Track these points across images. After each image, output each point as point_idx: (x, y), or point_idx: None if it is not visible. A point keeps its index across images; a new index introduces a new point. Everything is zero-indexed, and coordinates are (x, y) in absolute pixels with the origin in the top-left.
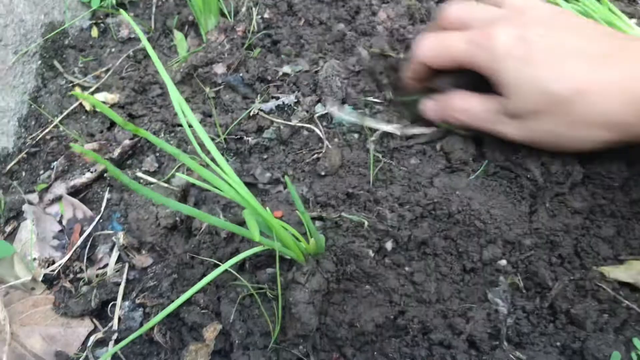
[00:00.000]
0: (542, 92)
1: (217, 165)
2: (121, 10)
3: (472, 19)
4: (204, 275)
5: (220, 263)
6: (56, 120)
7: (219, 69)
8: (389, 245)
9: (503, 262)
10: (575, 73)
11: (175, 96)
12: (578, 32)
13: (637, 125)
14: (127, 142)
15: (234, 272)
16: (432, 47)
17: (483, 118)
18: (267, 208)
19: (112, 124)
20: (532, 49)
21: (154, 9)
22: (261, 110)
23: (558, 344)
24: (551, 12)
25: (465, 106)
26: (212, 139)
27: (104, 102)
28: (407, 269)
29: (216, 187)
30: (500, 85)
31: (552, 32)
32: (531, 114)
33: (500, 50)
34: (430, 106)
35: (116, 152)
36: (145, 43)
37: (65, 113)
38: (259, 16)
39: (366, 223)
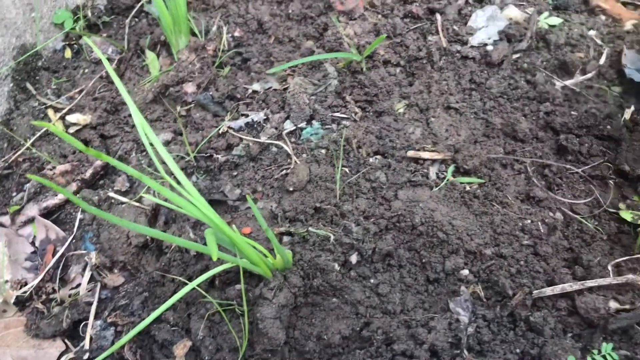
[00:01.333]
0: None
1: (181, 186)
2: (84, 37)
3: None
4: (175, 292)
5: (187, 282)
6: (28, 143)
7: (190, 88)
8: (354, 258)
9: (465, 271)
10: None
11: (139, 119)
12: None
13: None
14: (99, 162)
15: (202, 291)
16: None
17: None
18: (234, 226)
19: (85, 145)
20: None
21: (127, 29)
22: (231, 127)
23: (518, 350)
24: None
25: None
26: (182, 158)
27: (75, 124)
28: (372, 281)
29: (181, 208)
30: None
31: None
32: None
33: None
34: None
35: (88, 173)
36: (109, 70)
37: (37, 135)
38: (230, 34)
39: (332, 237)
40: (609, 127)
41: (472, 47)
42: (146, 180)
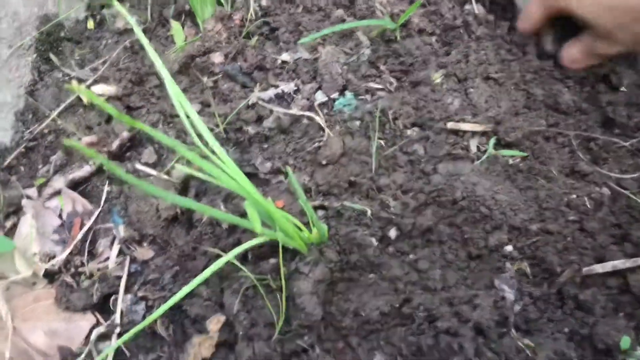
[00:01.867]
0: (612, 7)
1: (217, 156)
2: (115, 2)
3: None
4: (206, 266)
5: (223, 254)
6: (53, 114)
7: (217, 58)
8: (392, 233)
9: (509, 248)
10: None
11: (173, 88)
12: None
13: None
14: (125, 134)
15: (237, 263)
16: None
17: (587, 54)
18: (269, 198)
19: (110, 117)
20: None
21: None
22: (260, 99)
23: (566, 330)
24: None
25: (575, 56)
26: (211, 130)
27: (101, 95)
28: (411, 256)
29: (216, 179)
30: (586, 22)
31: None
32: (614, 29)
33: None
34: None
35: (115, 145)
36: (139, 35)
37: (62, 106)
38: (257, 4)
39: (369, 211)
40: None
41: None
42: (181, 150)
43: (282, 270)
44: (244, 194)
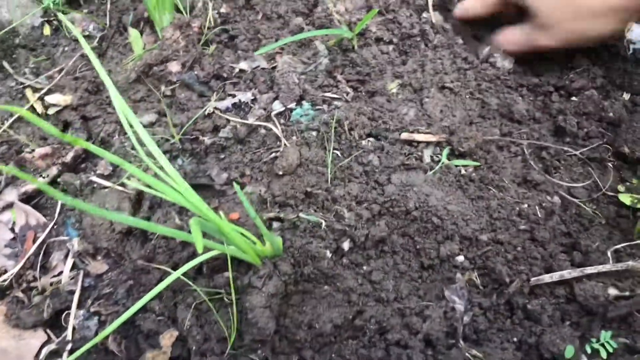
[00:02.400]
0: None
1: (164, 171)
2: (60, 15)
3: None
4: (160, 280)
5: (172, 271)
6: (5, 125)
7: (174, 67)
8: (346, 245)
9: (460, 258)
10: None
11: (119, 103)
12: None
13: (632, 10)
14: (80, 145)
15: (188, 281)
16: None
17: (525, 40)
18: (221, 212)
19: (65, 127)
20: None
21: (109, 5)
22: (217, 108)
23: (515, 339)
24: None
25: (510, 37)
26: (167, 140)
27: (56, 105)
28: (365, 268)
29: (164, 194)
30: (531, 10)
31: None
32: (556, 22)
33: None
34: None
35: (69, 156)
36: (87, 51)
37: (15, 116)
38: (216, 11)
39: (324, 223)
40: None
41: None
42: (127, 167)
43: (233, 285)
44: (192, 209)
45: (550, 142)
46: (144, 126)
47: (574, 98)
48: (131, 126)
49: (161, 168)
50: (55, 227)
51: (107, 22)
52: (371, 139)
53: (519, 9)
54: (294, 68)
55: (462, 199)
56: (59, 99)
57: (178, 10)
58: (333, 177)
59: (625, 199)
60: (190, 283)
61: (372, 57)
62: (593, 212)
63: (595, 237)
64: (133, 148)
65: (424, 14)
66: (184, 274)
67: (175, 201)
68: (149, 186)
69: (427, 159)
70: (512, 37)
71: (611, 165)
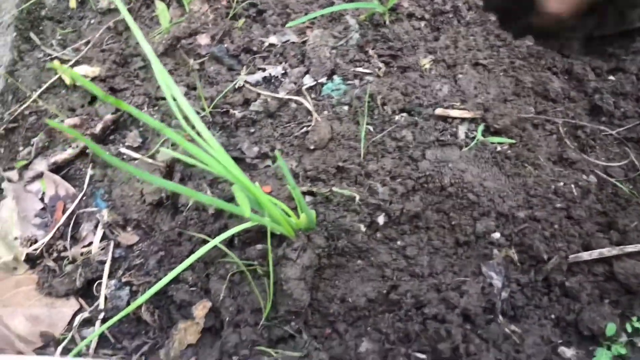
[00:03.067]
0: None
1: (203, 139)
2: None
3: None
4: (192, 252)
5: (209, 239)
6: (34, 95)
7: (203, 40)
8: (380, 219)
9: (497, 235)
10: None
11: (159, 69)
12: None
13: None
14: (109, 116)
15: (224, 248)
16: None
17: None
18: (256, 183)
19: (94, 98)
20: None
21: None
22: (247, 82)
23: (552, 316)
24: None
25: None
26: (197, 113)
27: (84, 76)
28: (399, 243)
29: (203, 162)
30: None
31: None
32: None
33: None
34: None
35: (98, 127)
36: (125, 14)
37: (44, 87)
38: None
39: (357, 197)
40: None
41: None
42: (168, 132)
43: (270, 255)
44: (231, 178)
45: (586, 121)
46: (174, 100)
47: (611, 77)
48: (172, 97)
49: (200, 136)
50: (84, 198)
51: None
52: (404, 114)
53: None
54: (324, 42)
55: (499, 176)
56: (87, 71)
57: None
58: (366, 152)
59: None
60: (228, 251)
61: (404, 32)
62: (630, 192)
63: (633, 217)
64: (162, 120)
65: None
66: (219, 245)
67: (216, 171)
68: (186, 155)
69: (461, 135)
70: None
71: None
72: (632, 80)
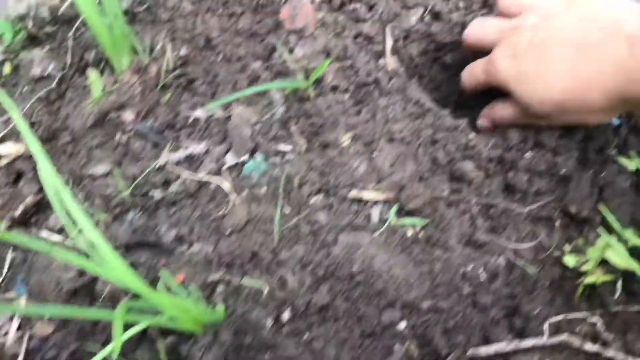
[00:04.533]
0: (543, 102)
1: (96, 249)
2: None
3: (484, 37)
4: (106, 342)
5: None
6: None
7: (129, 115)
8: (286, 314)
9: (402, 326)
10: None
11: (48, 175)
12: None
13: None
14: (30, 198)
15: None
16: (466, 75)
17: (518, 119)
18: (167, 271)
19: (18, 177)
20: (522, 66)
21: (70, 43)
22: (170, 161)
23: None
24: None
25: (502, 114)
26: (119, 193)
27: (7, 155)
28: (306, 336)
29: (99, 274)
30: (517, 99)
31: (539, 43)
32: (546, 115)
33: (501, 75)
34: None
35: (20, 209)
36: None
37: None
38: (175, 53)
39: (267, 289)
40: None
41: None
42: (57, 253)
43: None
44: (128, 288)
45: (500, 198)
46: (98, 177)
47: (527, 154)
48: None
49: (95, 246)
50: (4, 283)
51: (69, 60)
52: (321, 195)
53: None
54: (247, 119)
55: (406, 262)
56: (11, 149)
57: (137, 51)
58: (280, 237)
59: (570, 260)
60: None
61: (327, 107)
62: (537, 274)
63: (537, 302)
64: (87, 199)
65: (381, 60)
66: (126, 340)
67: (112, 281)
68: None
69: (375, 218)
70: (504, 114)
71: (558, 224)
72: (547, 158)
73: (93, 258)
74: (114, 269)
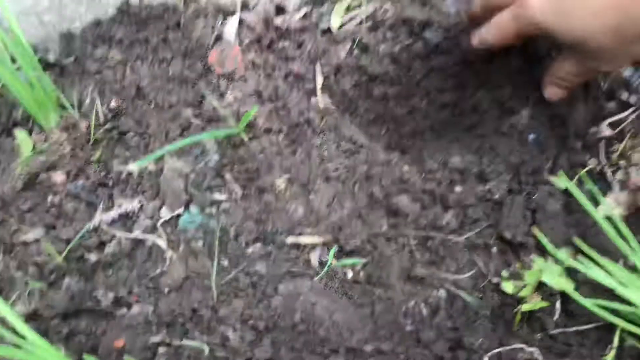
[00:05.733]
0: (595, 32)
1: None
2: None
3: None
4: None
5: None
6: None
7: (60, 175)
8: None
9: None
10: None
11: None
12: None
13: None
14: None
15: None
16: (492, 29)
17: (582, 69)
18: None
19: None
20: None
21: None
22: (104, 221)
23: None
24: None
25: (564, 71)
26: (53, 258)
27: None
28: None
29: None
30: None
31: None
32: (607, 50)
33: (538, 15)
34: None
35: None
36: None
37: None
38: (105, 106)
39: (206, 350)
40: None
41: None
42: None
43: None
44: None
45: (437, 229)
46: (30, 243)
47: (457, 188)
48: None
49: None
50: None
51: None
52: (259, 244)
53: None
54: (180, 170)
55: (348, 306)
56: None
57: (65, 107)
58: (219, 292)
59: (508, 286)
60: None
61: (261, 150)
62: (478, 303)
63: (479, 333)
64: (19, 267)
65: (313, 98)
66: None
67: None
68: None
69: (315, 262)
70: (565, 70)
71: (495, 250)
72: (475, 192)
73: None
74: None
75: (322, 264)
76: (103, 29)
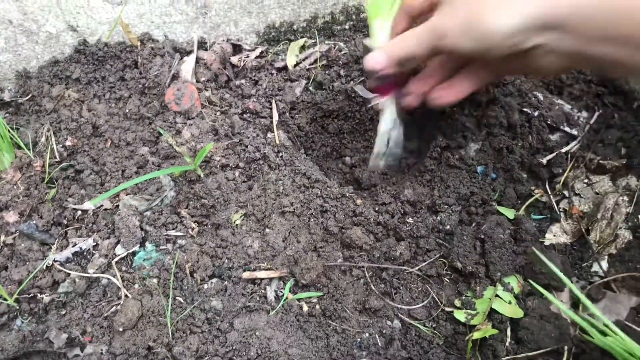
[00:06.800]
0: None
1: None
2: None
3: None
4: None
5: None
6: None
7: (11, 217)
8: None
9: None
10: None
11: None
12: None
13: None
14: None
15: None
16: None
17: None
18: None
19: None
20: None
21: None
22: (57, 260)
23: None
24: None
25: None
26: (5, 299)
27: None
28: None
29: None
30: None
31: None
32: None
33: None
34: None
35: None
36: None
37: None
38: (60, 144)
39: None
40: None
41: None
42: None
43: None
44: None
45: (390, 262)
46: None
47: (409, 220)
48: None
49: None
50: None
51: None
52: (214, 280)
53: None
54: (136, 207)
55: (303, 340)
56: None
57: (20, 147)
58: (175, 329)
59: (460, 315)
60: None
61: (217, 186)
62: (432, 332)
63: None
64: None
65: (269, 134)
66: None
67: None
68: None
69: (270, 297)
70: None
71: (448, 280)
72: (427, 224)
73: None
74: None
75: (278, 298)
76: (60, 67)
